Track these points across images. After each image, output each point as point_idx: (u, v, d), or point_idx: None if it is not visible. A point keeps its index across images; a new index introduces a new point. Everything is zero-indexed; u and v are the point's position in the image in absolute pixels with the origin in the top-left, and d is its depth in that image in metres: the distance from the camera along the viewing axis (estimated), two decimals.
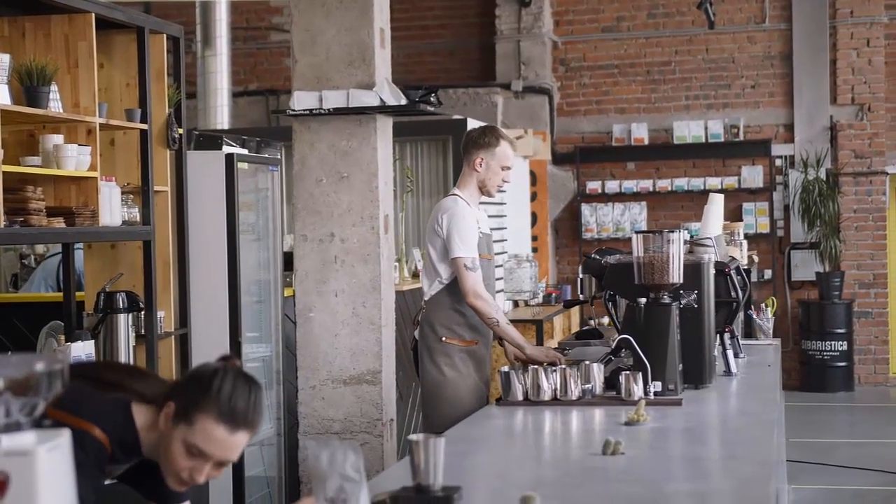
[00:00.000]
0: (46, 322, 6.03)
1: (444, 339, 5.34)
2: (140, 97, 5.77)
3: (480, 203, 5.53)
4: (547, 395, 4.33)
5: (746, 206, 12.69)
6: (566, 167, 13.12)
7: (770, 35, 12.85)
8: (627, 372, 4.33)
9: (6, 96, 4.84)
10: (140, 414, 2.77)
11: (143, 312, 5.75)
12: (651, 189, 12.85)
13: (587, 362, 4.44)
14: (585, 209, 12.98)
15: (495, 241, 10.20)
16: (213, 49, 11.42)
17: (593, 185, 12.99)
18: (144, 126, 5.74)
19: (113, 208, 5.46)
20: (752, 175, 12.67)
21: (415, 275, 8.51)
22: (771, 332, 6.45)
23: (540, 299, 10.50)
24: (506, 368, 4.42)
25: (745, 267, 6.40)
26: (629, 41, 13.13)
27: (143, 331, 5.79)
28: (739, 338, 5.82)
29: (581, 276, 5.22)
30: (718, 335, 5.10)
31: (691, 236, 5.61)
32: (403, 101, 5.63)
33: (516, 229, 11.26)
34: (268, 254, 7.02)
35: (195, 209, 6.29)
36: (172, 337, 6.09)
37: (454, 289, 5.30)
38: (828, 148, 12.62)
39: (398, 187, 9.50)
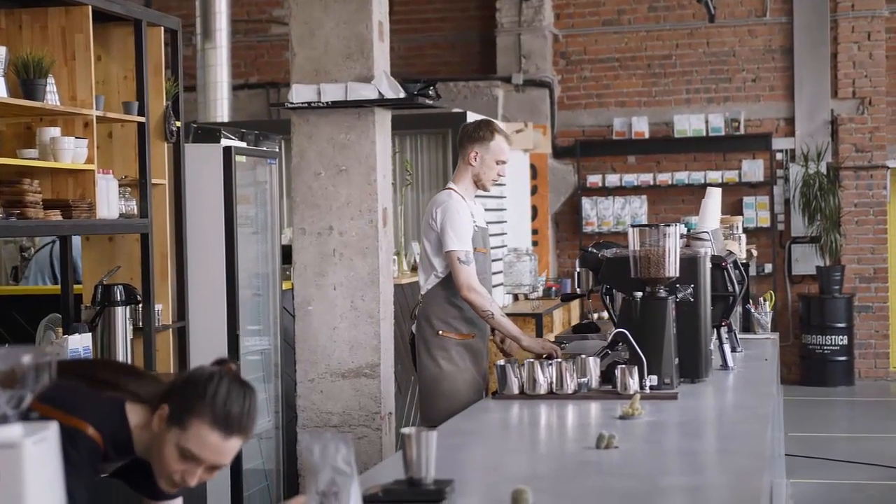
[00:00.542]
0: (45, 314, 6.03)
1: (440, 332, 5.34)
2: (137, 90, 5.76)
3: (477, 196, 5.53)
4: (543, 388, 4.33)
5: (747, 199, 12.68)
6: (567, 161, 13.11)
7: (771, 28, 12.84)
8: (623, 366, 4.33)
9: (3, 89, 4.83)
10: (134, 413, 2.76)
11: (140, 305, 5.75)
12: (651, 183, 12.85)
13: (583, 356, 4.44)
14: (586, 203, 12.97)
15: (495, 235, 10.23)
16: (212, 42, 11.40)
17: (594, 179, 12.98)
18: (142, 119, 5.73)
19: (110, 201, 5.45)
20: (753, 169, 12.67)
21: (413, 268, 8.51)
22: (769, 326, 6.44)
23: (540, 293, 10.51)
24: (502, 362, 4.42)
25: (744, 261, 6.40)
26: (630, 34, 13.12)
27: (140, 323, 5.79)
28: (737, 332, 5.82)
29: (578, 269, 5.21)
30: (715, 329, 5.09)
31: (688, 230, 5.60)
32: (402, 95, 5.62)
33: (516, 223, 11.26)
34: (266, 247, 7.02)
35: (193, 202, 6.28)
36: (170, 330, 6.09)
37: (449, 282, 5.31)
38: (828, 142, 12.61)
39: (397, 180, 9.51)
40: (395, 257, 8.28)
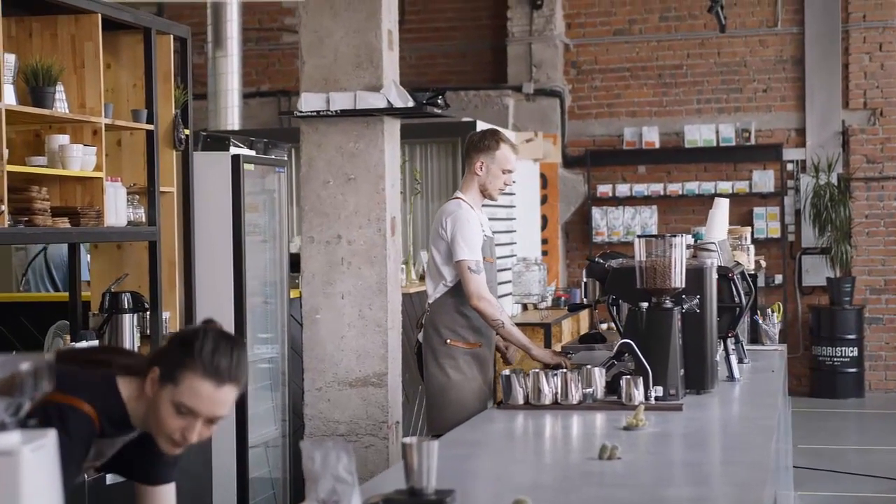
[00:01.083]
0: (53, 321, 6.06)
1: (448, 341, 5.35)
2: (146, 98, 5.78)
3: (484, 206, 5.55)
4: (548, 398, 4.32)
5: (757, 210, 12.66)
6: (577, 170, 13.10)
7: (782, 39, 12.83)
8: (628, 376, 4.32)
9: (12, 96, 4.86)
10: (126, 386, 2.81)
11: (148, 313, 5.77)
12: (662, 193, 12.83)
13: (589, 366, 4.43)
14: (596, 212, 12.97)
15: (505, 244, 10.24)
16: (224, 50, 11.43)
17: (604, 189, 12.98)
18: (151, 127, 5.75)
19: (118, 209, 5.47)
20: (764, 179, 12.65)
21: (422, 277, 8.51)
22: (777, 337, 6.43)
23: (549, 303, 10.49)
24: (507, 372, 4.42)
25: (752, 272, 6.39)
26: (641, 44, 13.12)
27: (148, 331, 5.80)
28: (745, 343, 5.81)
29: (585, 279, 5.21)
30: (722, 340, 5.09)
31: (695, 240, 5.59)
32: (411, 104, 5.63)
33: (525, 232, 11.26)
34: (274, 255, 7.03)
35: (201, 210, 6.30)
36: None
37: (458, 291, 5.32)
38: (839, 152, 12.58)
39: (407, 189, 9.52)
40: (404, 266, 8.28)
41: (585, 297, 5.32)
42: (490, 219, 5.73)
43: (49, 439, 1.83)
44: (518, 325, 5.76)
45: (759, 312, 6.55)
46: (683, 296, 4.58)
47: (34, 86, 4.99)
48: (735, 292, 5.12)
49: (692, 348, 4.56)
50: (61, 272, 7.88)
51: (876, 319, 12.59)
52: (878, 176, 12.59)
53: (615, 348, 4.53)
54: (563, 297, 10.75)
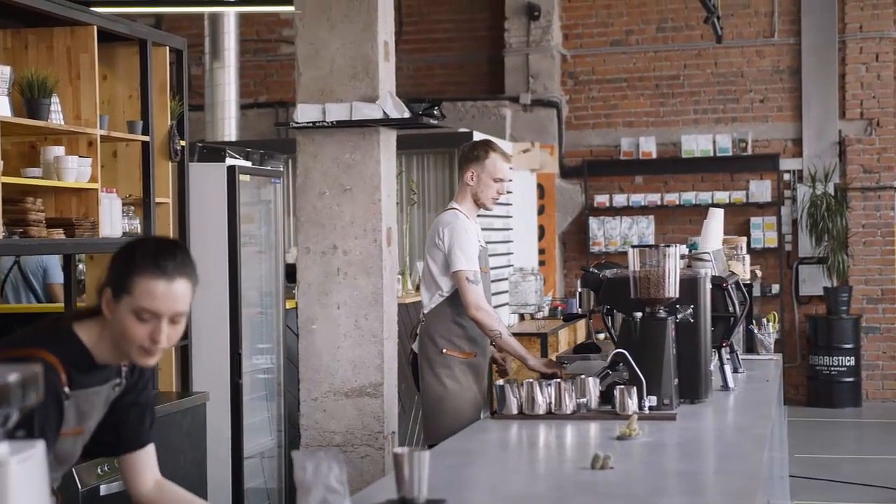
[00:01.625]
0: None
1: (444, 350, 5.37)
2: (142, 109, 5.79)
3: (480, 216, 5.58)
4: (541, 408, 4.33)
5: (754, 220, 12.68)
6: (574, 180, 13.12)
7: (779, 49, 12.85)
8: (622, 386, 4.33)
9: (7, 108, 4.86)
10: (83, 330, 2.87)
11: None
12: (659, 203, 12.85)
13: (583, 376, 4.44)
14: (593, 222, 12.98)
15: (501, 254, 10.25)
16: (221, 61, 11.45)
17: (601, 199, 12.99)
18: (146, 138, 5.76)
19: (113, 220, 5.48)
20: (761, 189, 12.66)
21: (418, 287, 8.51)
22: (772, 347, 6.43)
23: (546, 312, 10.50)
24: (501, 382, 4.42)
25: (747, 281, 6.40)
26: (638, 55, 13.14)
27: None
28: (740, 353, 5.81)
29: (580, 289, 5.22)
30: (716, 350, 5.09)
31: (690, 250, 5.60)
32: (406, 114, 5.65)
33: (522, 242, 11.27)
34: (270, 265, 7.04)
35: (197, 221, 6.30)
36: (173, 348, 6.11)
37: (454, 301, 5.33)
38: (836, 163, 12.60)
39: (403, 200, 9.53)
40: (400, 276, 8.29)
41: (580, 307, 5.33)
42: (487, 229, 5.77)
43: (37, 450, 1.83)
44: (515, 335, 5.77)
45: (754, 322, 6.55)
46: (677, 305, 4.59)
47: (29, 97, 5.00)
48: (729, 302, 5.12)
49: (686, 358, 4.57)
50: (38, 278, 7.90)
51: (873, 329, 12.59)
52: (874, 186, 12.61)
53: (609, 358, 4.54)
54: (559, 307, 10.76)
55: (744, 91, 12.94)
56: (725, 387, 5.06)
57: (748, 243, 11.18)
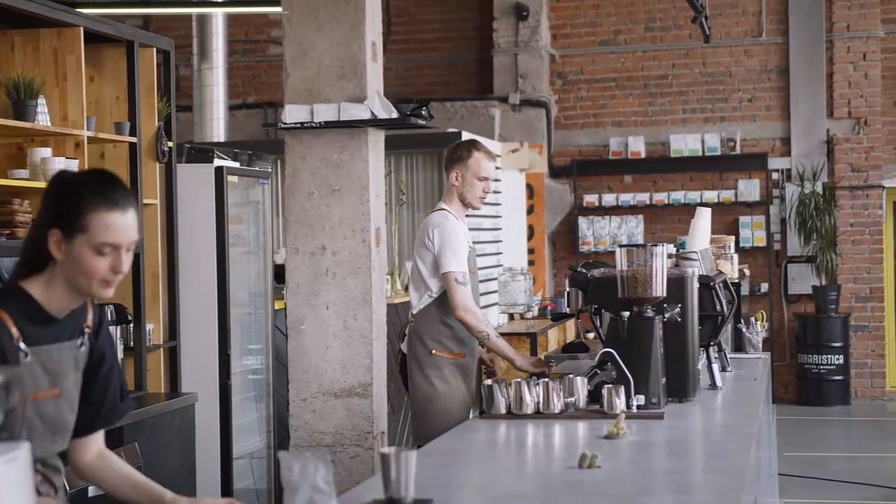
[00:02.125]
0: None
1: (433, 351, 5.37)
2: (129, 110, 5.79)
3: (468, 216, 5.59)
4: (530, 408, 4.33)
5: (743, 219, 12.70)
6: (563, 180, 13.13)
7: (767, 49, 12.88)
8: (610, 385, 4.33)
9: None
10: (29, 285, 2.84)
11: (131, 325, 5.76)
12: (648, 202, 12.87)
13: (571, 375, 4.44)
14: (582, 222, 12.99)
15: (491, 254, 10.26)
16: (209, 62, 11.44)
17: (590, 199, 13.01)
18: (133, 139, 5.76)
19: None
20: (749, 188, 12.68)
21: (407, 288, 8.51)
22: (760, 345, 6.44)
23: (535, 312, 10.51)
24: (489, 382, 4.43)
25: (735, 280, 6.41)
26: (626, 54, 13.16)
27: (131, 343, 5.79)
28: (728, 351, 5.82)
29: (568, 289, 5.23)
30: (704, 349, 5.10)
31: (677, 250, 5.61)
32: (395, 115, 5.64)
33: (511, 242, 11.28)
34: (259, 266, 7.03)
35: (185, 222, 6.30)
36: (161, 349, 6.11)
37: (443, 302, 5.34)
38: (824, 161, 12.63)
39: (392, 200, 9.53)
40: (389, 277, 8.29)
41: (569, 306, 5.34)
42: (476, 229, 5.77)
43: (22, 451, 1.84)
44: (504, 334, 5.78)
45: (742, 321, 6.56)
46: (665, 305, 4.59)
47: (16, 99, 5.00)
48: (717, 301, 5.13)
49: (674, 357, 4.57)
50: None
51: (861, 327, 12.63)
52: (862, 185, 12.64)
53: (597, 357, 4.54)
54: (549, 307, 10.77)
55: (732, 90, 12.96)
56: (713, 386, 5.06)
57: (737, 242, 11.22)
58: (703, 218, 5.95)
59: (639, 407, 4.35)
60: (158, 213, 6.09)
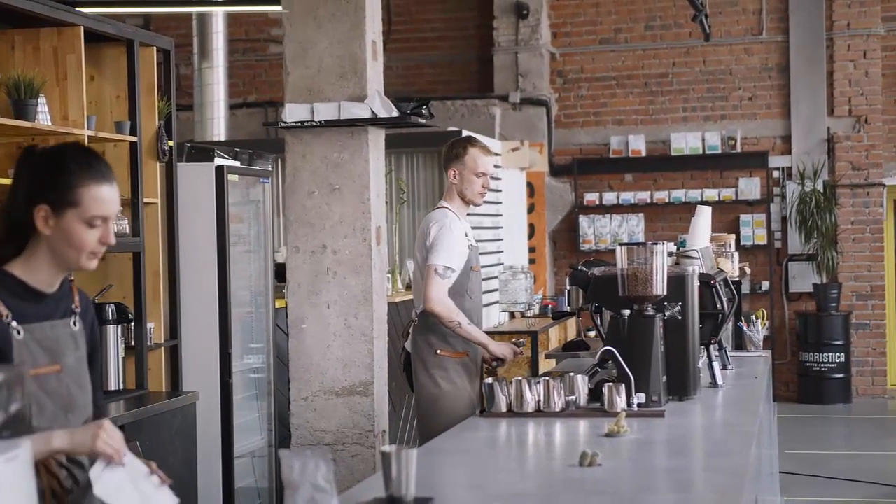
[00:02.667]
0: None
1: (438, 351, 5.38)
2: (130, 109, 5.79)
3: (469, 214, 5.58)
4: (530, 406, 4.33)
5: (744, 217, 12.70)
6: (564, 179, 13.13)
7: (767, 47, 12.87)
8: (611, 384, 4.33)
9: None
10: (11, 266, 2.85)
11: (132, 324, 5.76)
12: (649, 201, 12.86)
13: (572, 374, 4.45)
14: (583, 221, 12.99)
15: (491, 253, 10.25)
16: (210, 61, 11.45)
17: (591, 197, 13.01)
18: (134, 138, 5.76)
19: None
20: (750, 187, 12.68)
21: (408, 286, 8.52)
22: (761, 343, 6.44)
23: (536, 311, 10.51)
24: (489, 380, 4.43)
25: (736, 279, 6.41)
26: (627, 53, 13.16)
27: (132, 342, 5.80)
28: (729, 349, 5.82)
29: (568, 287, 5.23)
30: (704, 347, 5.10)
31: (678, 248, 5.61)
32: (395, 114, 5.65)
33: (512, 241, 11.28)
34: (260, 265, 7.04)
35: (186, 221, 6.31)
36: (162, 348, 6.11)
37: None
38: (825, 159, 12.63)
39: (392, 199, 9.53)
40: (389, 275, 8.29)
41: (569, 304, 5.34)
42: (477, 227, 5.76)
43: (23, 450, 1.84)
44: (505, 333, 5.79)
45: (743, 319, 6.56)
46: (665, 303, 4.59)
47: (16, 98, 5.00)
48: (717, 299, 5.13)
49: (674, 355, 4.57)
50: None
51: (862, 325, 12.63)
52: (863, 182, 12.63)
53: (598, 356, 4.55)
54: (550, 305, 10.77)
55: (732, 89, 12.96)
56: (714, 384, 5.07)
57: (738, 240, 11.20)
58: (704, 216, 5.95)
59: (639, 405, 4.35)
60: (159, 213, 6.09)
